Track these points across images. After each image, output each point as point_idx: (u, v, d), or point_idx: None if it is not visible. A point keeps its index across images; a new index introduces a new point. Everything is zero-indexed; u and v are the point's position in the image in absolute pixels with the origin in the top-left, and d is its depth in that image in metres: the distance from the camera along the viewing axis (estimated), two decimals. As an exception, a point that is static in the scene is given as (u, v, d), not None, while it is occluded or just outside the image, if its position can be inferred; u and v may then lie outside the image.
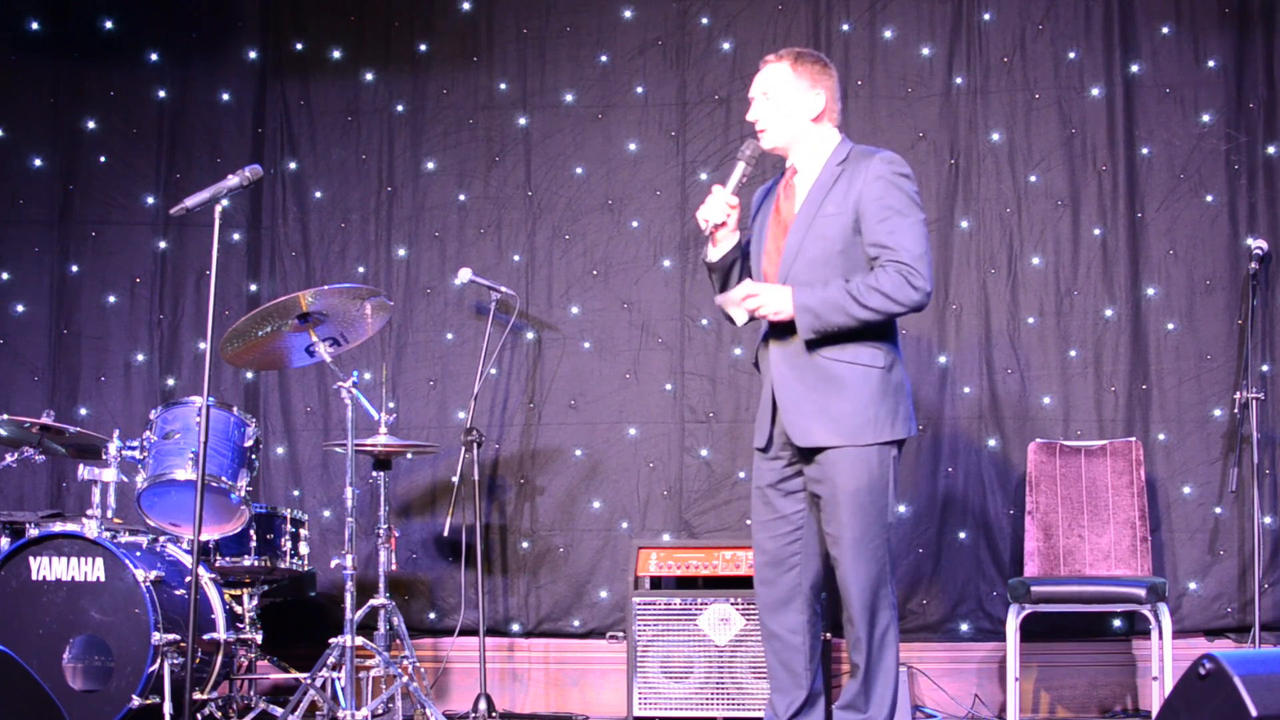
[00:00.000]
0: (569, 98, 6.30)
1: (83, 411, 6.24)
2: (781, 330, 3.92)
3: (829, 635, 5.46)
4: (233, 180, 4.39)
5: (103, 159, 6.39)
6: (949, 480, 5.93)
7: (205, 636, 4.98)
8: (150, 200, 6.36)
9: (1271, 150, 5.87)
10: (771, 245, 4.00)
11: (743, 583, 5.38)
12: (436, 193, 6.32)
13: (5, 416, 5.25)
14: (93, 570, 4.84)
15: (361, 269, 6.32)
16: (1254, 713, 2.41)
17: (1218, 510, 5.77)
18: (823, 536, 3.97)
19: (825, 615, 5.34)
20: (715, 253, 4.00)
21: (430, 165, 6.33)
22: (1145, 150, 5.94)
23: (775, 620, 4.02)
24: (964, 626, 5.86)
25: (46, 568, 4.86)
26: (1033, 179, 6.00)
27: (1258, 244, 5.62)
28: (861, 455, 3.83)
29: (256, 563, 5.30)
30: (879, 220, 3.85)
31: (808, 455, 3.90)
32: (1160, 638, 5.20)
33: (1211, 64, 5.93)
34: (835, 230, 3.87)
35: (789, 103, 3.97)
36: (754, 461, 4.05)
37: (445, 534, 5.95)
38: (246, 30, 6.45)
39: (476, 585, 5.81)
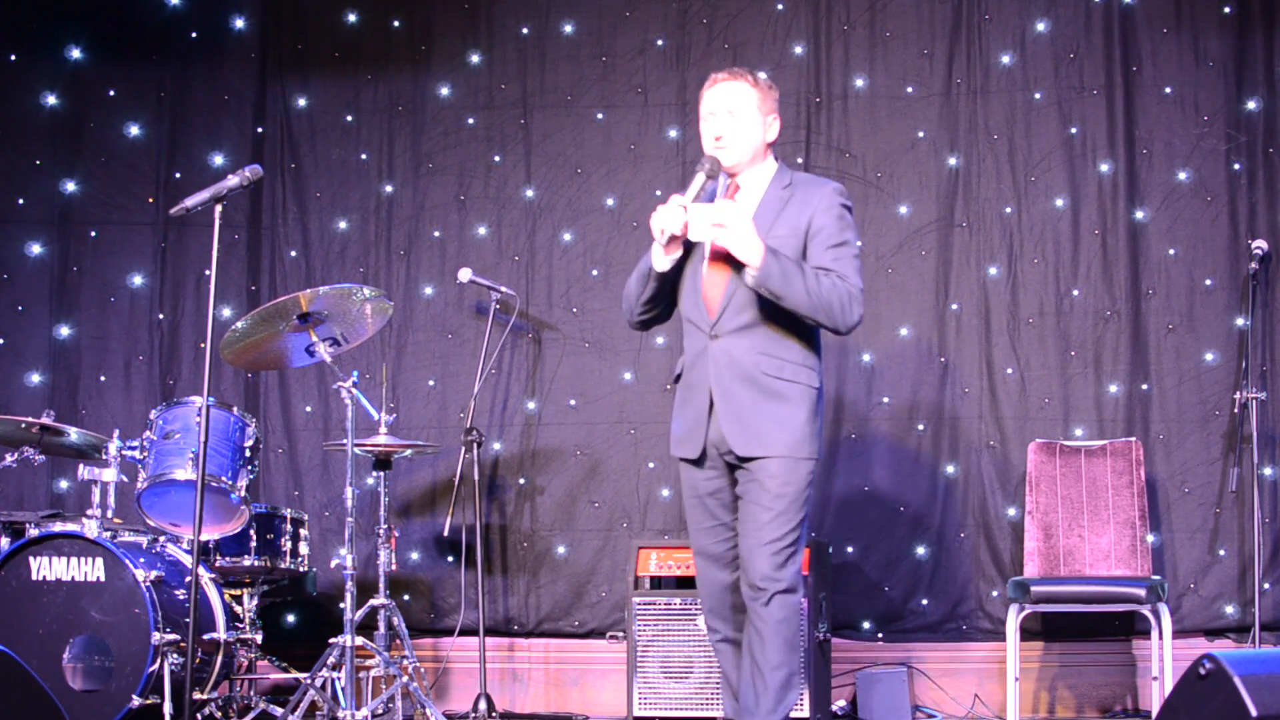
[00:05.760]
0: (569, 98, 6.29)
1: (83, 411, 6.24)
2: (726, 347, 3.94)
3: (829, 635, 5.46)
4: (233, 180, 4.38)
5: (103, 159, 6.39)
6: (949, 480, 5.93)
7: (205, 636, 4.97)
8: (150, 200, 6.36)
9: (1271, 150, 5.87)
10: (716, 261, 3.98)
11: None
12: (436, 193, 6.32)
13: (5, 416, 5.25)
14: (93, 570, 4.84)
15: (361, 269, 6.32)
16: (1254, 713, 2.41)
17: (1218, 510, 5.77)
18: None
19: (827, 615, 5.37)
20: (666, 262, 3.97)
21: (430, 165, 6.33)
22: (1145, 150, 5.95)
23: (718, 618, 4.06)
24: (964, 626, 5.86)
25: (46, 568, 4.86)
26: (1033, 179, 6.00)
27: (1258, 244, 5.62)
28: (793, 466, 3.91)
29: (256, 563, 5.30)
30: (829, 247, 3.95)
31: (740, 464, 3.95)
32: (1160, 638, 5.20)
33: (1211, 64, 5.93)
34: (785, 251, 3.92)
35: (752, 126, 4.02)
36: (684, 471, 4.07)
37: (445, 534, 5.95)
38: (246, 30, 6.44)
39: (476, 585, 5.81)
